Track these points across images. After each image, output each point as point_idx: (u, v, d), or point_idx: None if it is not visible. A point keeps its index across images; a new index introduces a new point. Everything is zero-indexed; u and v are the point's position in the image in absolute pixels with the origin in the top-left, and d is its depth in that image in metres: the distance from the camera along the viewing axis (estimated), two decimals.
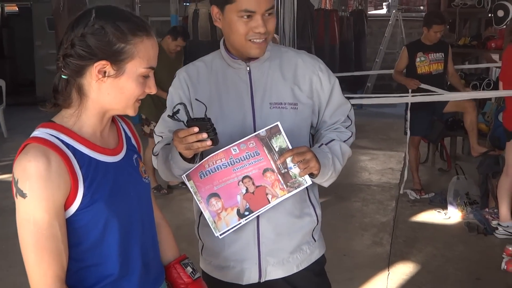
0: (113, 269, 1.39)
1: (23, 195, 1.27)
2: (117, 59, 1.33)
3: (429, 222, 4.82)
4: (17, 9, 13.27)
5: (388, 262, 4.03)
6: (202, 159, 1.67)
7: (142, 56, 1.35)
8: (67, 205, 1.31)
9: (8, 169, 6.23)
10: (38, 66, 11.17)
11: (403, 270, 3.90)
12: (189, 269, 1.61)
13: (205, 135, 1.51)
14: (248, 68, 1.80)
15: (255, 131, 1.74)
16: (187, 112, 1.55)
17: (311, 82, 1.83)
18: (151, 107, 5.23)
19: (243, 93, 1.79)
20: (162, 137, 1.83)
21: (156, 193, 5.37)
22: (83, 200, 1.32)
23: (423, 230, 4.65)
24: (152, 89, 1.42)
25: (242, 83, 1.80)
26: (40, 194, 1.26)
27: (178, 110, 1.55)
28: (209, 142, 1.52)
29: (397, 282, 3.74)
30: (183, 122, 1.55)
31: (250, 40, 1.71)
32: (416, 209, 5.09)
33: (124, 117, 1.59)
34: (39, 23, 11.11)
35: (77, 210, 1.32)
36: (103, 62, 1.32)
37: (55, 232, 1.29)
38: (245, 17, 1.68)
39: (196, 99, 1.71)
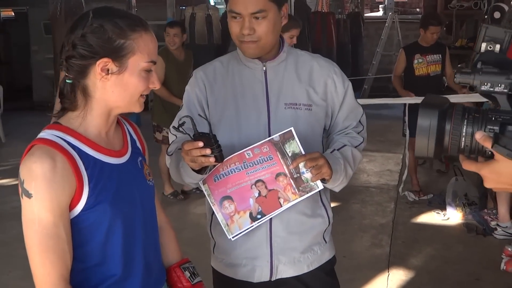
0: (116, 270, 1.40)
1: (29, 196, 1.29)
2: (118, 55, 1.35)
3: (428, 223, 4.83)
4: (13, 14, 13.25)
5: (387, 264, 4.03)
6: (213, 169, 1.69)
7: (142, 51, 1.37)
8: (72, 205, 1.33)
9: (7, 174, 6.24)
10: (35, 71, 11.13)
11: (403, 271, 3.91)
12: (187, 273, 1.62)
13: (209, 151, 1.51)
14: (264, 68, 1.82)
15: (269, 130, 1.78)
16: (194, 125, 1.55)
17: (326, 85, 1.86)
18: (162, 114, 5.18)
19: (258, 93, 1.81)
20: (176, 136, 1.83)
21: (172, 199, 5.33)
22: (88, 201, 1.33)
23: (422, 231, 4.66)
24: (156, 84, 1.43)
25: (258, 83, 1.82)
26: (45, 195, 1.28)
27: (184, 122, 1.55)
28: (212, 159, 1.53)
29: (397, 283, 3.75)
30: (188, 134, 1.56)
31: (241, 40, 1.74)
32: (415, 210, 5.09)
33: (130, 121, 1.61)
34: (35, 28, 11.07)
35: (81, 211, 1.34)
36: (105, 59, 1.34)
37: (59, 232, 1.30)
38: (235, 17, 1.72)
39: (199, 115, 1.72)
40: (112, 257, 1.40)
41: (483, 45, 1.19)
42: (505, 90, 1.14)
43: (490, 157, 1.14)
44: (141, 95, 1.41)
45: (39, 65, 10.83)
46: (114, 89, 1.37)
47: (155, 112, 5.32)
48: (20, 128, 8.51)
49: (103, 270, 1.39)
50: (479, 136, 1.11)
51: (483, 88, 1.16)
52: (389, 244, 4.37)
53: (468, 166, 1.20)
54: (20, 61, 12.03)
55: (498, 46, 1.17)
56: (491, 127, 1.12)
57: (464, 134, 1.14)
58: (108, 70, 1.35)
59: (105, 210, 1.35)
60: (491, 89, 1.15)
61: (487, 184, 1.19)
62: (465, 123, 1.13)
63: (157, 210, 1.64)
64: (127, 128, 1.56)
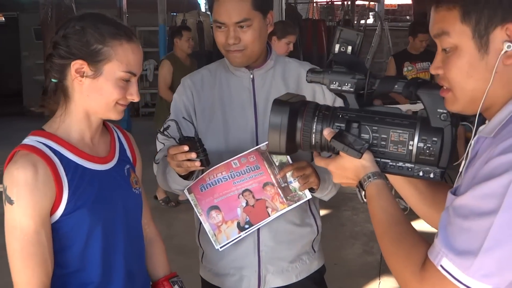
0: (95, 276, 1.40)
1: (11, 202, 1.29)
2: (93, 59, 1.34)
3: (419, 230, 4.79)
4: (3, 19, 13.19)
5: (379, 271, 4.01)
6: (200, 176, 1.67)
7: (120, 60, 1.36)
8: (52, 211, 1.32)
9: None
10: (25, 77, 11.11)
11: (394, 278, 3.89)
12: (176, 287, 1.61)
13: (194, 155, 1.49)
14: (251, 76, 1.81)
15: (257, 139, 1.77)
16: (179, 129, 1.54)
17: (314, 92, 1.84)
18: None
19: (245, 101, 1.80)
20: (164, 144, 1.82)
21: (163, 205, 5.31)
22: (67, 207, 1.33)
23: None
24: (135, 97, 1.41)
25: (245, 90, 1.81)
26: (27, 202, 1.28)
27: (169, 126, 1.54)
28: (197, 163, 1.51)
29: None
30: (174, 139, 1.54)
31: (227, 50, 1.74)
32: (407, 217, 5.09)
33: (124, 130, 1.60)
34: (26, 33, 11.05)
35: (61, 216, 1.33)
36: (80, 61, 1.34)
37: (41, 239, 1.30)
38: (219, 27, 1.72)
39: (184, 118, 1.71)
40: (91, 264, 1.39)
41: (337, 46, 1.25)
42: (351, 89, 1.21)
43: (338, 153, 1.21)
44: (118, 103, 1.39)
45: (29, 70, 10.81)
46: (89, 93, 1.37)
47: (161, 118, 5.27)
48: (10, 134, 8.44)
49: (82, 277, 1.38)
50: (326, 132, 1.19)
51: (332, 86, 1.22)
52: (380, 252, 4.36)
53: (318, 162, 1.26)
54: (11, 66, 11.97)
55: (350, 48, 1.24)
56: (338, 124, 1.19)
57: (314, 131, 1.21)
58: (83, 72, 1.35)
59: (84, 215, 1.35)
60: (339, 87, 1.21)
61: (335, 179, 1.24)
62: (315, 121, 1.21)
63: (148, 221, 1.64)
64: (117, 136, 1.55)
